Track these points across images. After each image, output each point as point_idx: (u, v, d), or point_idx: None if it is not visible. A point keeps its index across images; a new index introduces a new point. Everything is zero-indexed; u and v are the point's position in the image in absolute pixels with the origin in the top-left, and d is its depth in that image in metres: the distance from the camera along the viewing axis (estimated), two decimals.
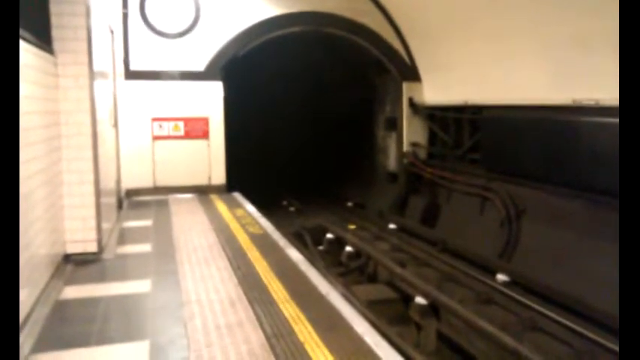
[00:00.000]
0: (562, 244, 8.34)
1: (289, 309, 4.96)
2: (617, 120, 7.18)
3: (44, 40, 5.92)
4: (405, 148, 13.12)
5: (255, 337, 4.36)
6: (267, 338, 4.32)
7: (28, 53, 4.91)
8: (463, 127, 11.76)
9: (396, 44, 12.99)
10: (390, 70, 13.17)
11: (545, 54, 8.70)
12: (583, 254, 7.91)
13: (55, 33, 6.30)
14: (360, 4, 12.70)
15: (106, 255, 6.85)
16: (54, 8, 6.28)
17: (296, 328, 4.51)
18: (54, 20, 6.28)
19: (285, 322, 4.66)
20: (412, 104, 13.06)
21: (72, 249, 6.50)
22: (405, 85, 13.09)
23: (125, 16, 11.34)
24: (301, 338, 4.32)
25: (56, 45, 6.30)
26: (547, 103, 8.74)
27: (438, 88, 12.50)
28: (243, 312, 4.91)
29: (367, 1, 12.73)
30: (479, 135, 11.03)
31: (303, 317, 4.76)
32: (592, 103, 7.77)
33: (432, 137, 13.12)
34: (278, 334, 4.39)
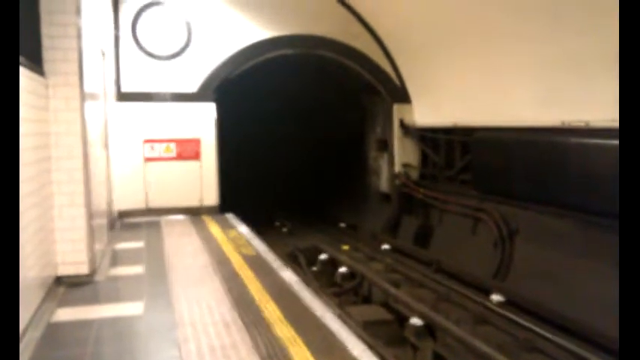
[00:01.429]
0: (555, 264, 8.33)
1: (284, 331, 4.91)
2: (607, 141, 7.25)
3: (35, 62, 5.90)
4: (397, 169, 13.13)
5: (250, 359, 4.30)
6: None
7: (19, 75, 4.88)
8: (454, 149, 11.79)
9: (386, 66, 13.07)
10: (381, 92, 13.23)
11: (535, 75, 8.75)
12: (575, 274, 7.90)
13: (46, 55, 6.28)
14: (351, 27, 12.78)
15: (98, 277, 6.77)
16: (45, 30, 6.27)
17: (291, 350, 4.45)
18: (45, 42, 6.27)
19: (280, 344, 4.60)
20: (403, 125, 13.10)
21: (64, 271, 6.42)
22: (395, 107, 13.14)
23: (117, 37, 11.36)
24: None
25: (47, 67, 6.28)
26: (537, 125, 8.78)
27: (428, 109, 12.56)
28: (238, 334, 4.84)
29: (357, 24, 12.83)
30: (470, 156, 11.06)
31: (298, 339, 4.70)
32: (581, 124, 7.81)
33: (424, 158, 13.14)
34: (273, 357, 4.33)
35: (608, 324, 6.52)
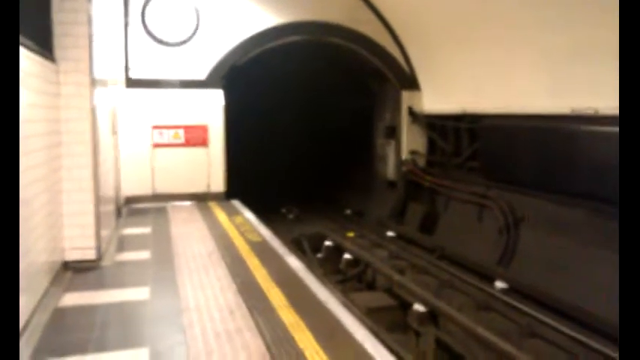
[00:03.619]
0: (560, 252, 8.35)
1: (289, 316, 4.97)
2: (615, 129, 7.23)
3: (46, 48, 5.95)
4: (404, 156, 13.13)
5: (255, 344, 4.37)
6: (267, 346, 4.32)
7: (30, 61, 4.94)
8: (462, 136, 11.77)
9: (396, 53, 13.03)
10: (390, 79, 13.20)
11: (543, 62, 8.73)
12: (581, 262, 7.92)
13: (57, 41, 6.32)
14: (360, 13, 12.75)
15: (105, 262, 6.85)
16: (56, 17, 6.31)
17: (296, 336, 4.52)
18: (56, 29, 6.31)
19: (284, 329, 4.67)
20: (411, 112, 13.09)
21: (71, 256, 6.50)
22: (404, 94, 13.12)
23: (126, 24, 11.38)
24: (301, 345, 4.33)
25: (58, 53, 6.33)
26: (545, 112, 8.76)
27: (437, 96, 12.54)
28: (242, 319, 4.91)
29: (367, 10, 12.79)
30: (477, 143, 11.05)
31: (302, 324, 4.77)
32: (590, 111, 7.79)
33: (431, 145, 13.13)
34: (277, 342, 4.40)
35: (611, 311, 6.59)
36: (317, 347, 4.29)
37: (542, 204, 8.99)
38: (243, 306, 5.27)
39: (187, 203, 11.57)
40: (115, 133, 9.43)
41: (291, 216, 14.78)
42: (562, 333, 6.57)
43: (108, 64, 8.45)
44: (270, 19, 12.20)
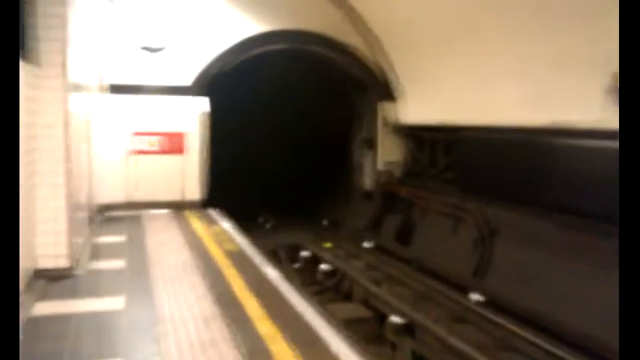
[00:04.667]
0: (535, 265, 8.40)
1: (265, 327, 4.93)
2: (591, 142, 7.33)
3: (21, 52, 5.84)
4: (381, 166, 13.16)
5: (230, 356, 4.32)
6: (243, 357, 4.28)
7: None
8: (439, 147, 11.84)
9: (376, 64, 13.07)
10: (368, 89, 13.25)
11: (523, 75, 8.79)
12: (557, 275, 7.97)
13: (33, 45, 6.21)
14: (343, 23, 12.76)
15: (79, 271, 6.72)
16: (32, 20, 6.21)
17: (272, 347, 4.48)
18: (30, 32, 6.19)
19: (260, 340, 4.63)
20: (389, 123, 13.13)
21: (43, 264, 6.34)
22: (382, 104, 13.17)
23: (107, 28, 11.24)
24: (277, 358, 4.28)
25: (33, 57, 6.22)
26: (524, 125, 8.82)
27: (416, 107, 12.58)
28: (218, 330, 4.86)
29: (349, 20, 12.81)
30: (454, 155, 11.12)
31: (279, 336, 4.73)
32: (567, 125, 7.87)
33: (409, 156, 13.19)
34: (253, 353, 4.35)
35: (585, 322, 6.65)
36: (293, 359, 4.25)
37: (517, 216, 9.05)
38: (219, 316, 5.21)
39: (164, 211, 11.43)
40: (90, 139, 9.31)
41: (268, 225, 14.72)
42: (536, 345, 6.60)
43: (86, 69, 8.33)
44: (254, 26, 12.13)
